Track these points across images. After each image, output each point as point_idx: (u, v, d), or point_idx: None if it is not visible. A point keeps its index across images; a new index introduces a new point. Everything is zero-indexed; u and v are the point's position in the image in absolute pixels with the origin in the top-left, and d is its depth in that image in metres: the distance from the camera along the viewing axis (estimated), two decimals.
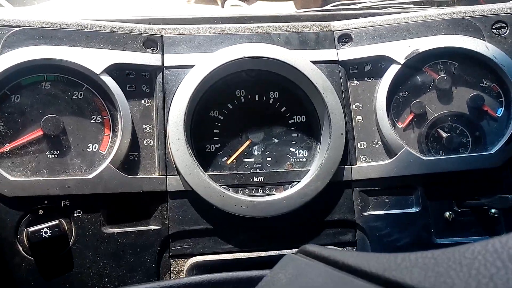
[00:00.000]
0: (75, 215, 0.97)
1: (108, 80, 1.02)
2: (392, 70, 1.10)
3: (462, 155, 1.08)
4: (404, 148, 1.05)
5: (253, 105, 1.14)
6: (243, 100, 1.14)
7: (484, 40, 1.12)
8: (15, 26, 1.02)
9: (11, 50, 1.00)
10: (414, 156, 1.05)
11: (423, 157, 1.06)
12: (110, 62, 1.03)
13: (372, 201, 1.07)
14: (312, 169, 1.08)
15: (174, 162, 1.02)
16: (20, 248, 0.94)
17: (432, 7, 1.49)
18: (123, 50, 1.06)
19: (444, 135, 1.08)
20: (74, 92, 1.03)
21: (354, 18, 1.22)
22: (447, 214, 1.06)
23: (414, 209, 1.07)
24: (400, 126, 1.11)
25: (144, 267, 0.99)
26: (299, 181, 1.07)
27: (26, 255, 0.94)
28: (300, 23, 1.16)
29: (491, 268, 0.35)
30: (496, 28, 1.13)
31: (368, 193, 1.07)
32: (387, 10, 1.47)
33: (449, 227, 1.07)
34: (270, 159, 1.11)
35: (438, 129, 1.10)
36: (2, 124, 0.98)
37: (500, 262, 0.35)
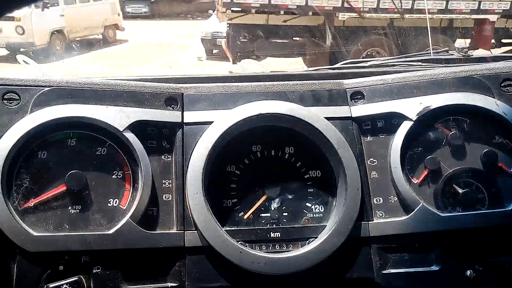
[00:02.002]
0: (94, 271, 0.98)
1: (131, 137, 1.06)
2: (405, 127, 1.12)
3: (480, 211, 1.08)
4: (421, 204, 1.06)
5: (269, 160, 1.16)
6: (259, 155, 1.17)
7: (494, 98, 1.15)
8: (45, 86, 1.08)
9: (41, 109, 1.05)
10: (431, 212, 1.05)
11: (440, 213, 1.06)
12: (133, 120, 1.07)
13: (391, 258, 1.06)
14: (329, 224, 1.08)
15: (192, 217, 1.04)
16: None
17: (440, 65, 1.55)
18: (145, 108, 1.11)
19: (460, 191, 1.09)
20: (98, 148, 1.07)
21: (365, 76, 1.27)
22: (468, 272, 1.05)
23: (434, 267, 1.06)
24: (415, 182, 1.12)
25: None
26: (316, 237, 1.07)
27: None
28: (313, 81, 1.21)
29: None
30: (504, 86, 1.17)
31: (386, 250, 1.07)
32: (396, 68, 1.53)
33: (471, 286, 1.05)
34: (286, 214, 1.12)
35: (453, 185, 1.11)
36: (28, 179, 1.02)
37: None
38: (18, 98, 1.06)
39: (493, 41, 8.27)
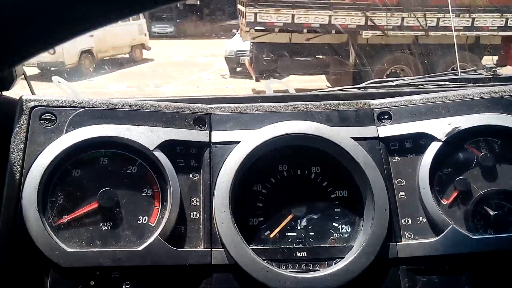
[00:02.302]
0: (124, 287, 1.00)
1: (161, 156, 1.09)
2: (434, 147, 1.11)
3: None
4: (451, 226, 1.04)
5: (295, 179, 1.17)
6: (285, 175, 1.18)
7: None
8: (79, 107, 1.12)
9: (75, 129, 1.09)
10: (462, 234, 1.03)
11: (471, 236, 1.04)
12: (162, 139, 1.10)
13: (420, 280, 1.04)
14: (356, 245, 1.07)
15: (219, 235, 1.05)
16: None
17: (468, 84, 1.54)
18: (174, 128, 1.14)
19: (492, 212, 1.07)
20: (129, 167, 1.10)
21: (391, 95, 1.27)
22: None
23: None
24: (444, 203, 1.10)
25: None
26: (343, 257, 1.06)
27: None
28: (339, 101, 1.22)
29: None
30: None
31: (415, 272, 1.05)
32: (423, 88, 1.53)
33: None
34: (313, 233, 1.12)
35: (484, 207, 1.08)
36: (62, 197, 1.05)
37: None
38: (54, 118, 1.10)
39: None
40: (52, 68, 9.42)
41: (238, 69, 9.96)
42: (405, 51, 7.95)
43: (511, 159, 1.12)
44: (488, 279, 1.04)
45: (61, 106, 1.12)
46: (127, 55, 12.17)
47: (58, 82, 1.68)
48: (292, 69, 8.44)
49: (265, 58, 8.53)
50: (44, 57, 9.66)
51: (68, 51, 10.03)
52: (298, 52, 8.58)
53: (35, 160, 1.04)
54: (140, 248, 1.00)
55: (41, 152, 1.05)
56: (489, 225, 1.07)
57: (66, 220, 1.03)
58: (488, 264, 1.04)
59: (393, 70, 7.86)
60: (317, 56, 8.85)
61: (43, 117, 1.10)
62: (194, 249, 1.05)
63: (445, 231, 1.04)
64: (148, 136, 1.10)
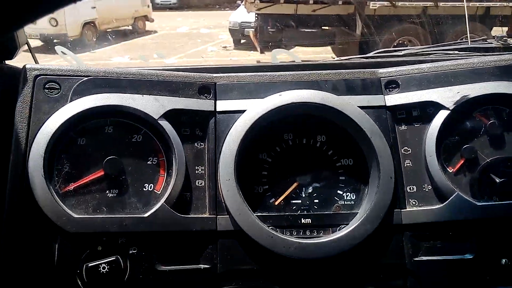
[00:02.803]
0: (130, 252, 1.02)
1: (166, 125, 1.08)
2: (441, 116, 1.10)
3: None
4: (456, 193, 1.04)
5: (300, 148, 1.17)
6: (290, 144, 1.17)
7: None
8: (84, 76, 1.11)
9: (80, 98, 1.09)
10: (466, 201, 1.04)
11: (476, 203, 1.04)
12: (167, 108, 1.10)
13: (423, 246, 1.05)
14: (360, 212, 1.08)
15: (224, 202, 1.05)
16: (80, 282, 0.98)
17: (478, 54, 1.50)
18: (179, 97, 1.13)
19: (498, 180, 1.06)
20: (134, 136, 1.10)
21: (399, 65, 1.25)
22: (503, 261, 1.03)
23: (468, 256, 1.04)
24: (450, 171, 1.10)
25: None
26: (347, 224, 1.07)
27: None
28: (346, 70, 1.20)
29: None
30: None
31: (419, 238, 1.06)
32: (431, 57, 1.50)
33: (505, 274, 1.03)
34: (317, 201, 1.13)
35: (491, 174, 1.08)
36: (68, 165, 1.06)
37: None
38: (58, 87, 1.10)
39: None
40: (55, 40, 9.36)
41: (242, 41, 9.83)
42: (414, 22, 7.78)
43: None
44: (491, 246, 1.04)
45: (65, 75, 1.11)
46: (130, 27, 12.02)
47: (62, 52, 1.66)
48: (298, 40, 8.31)
49: (270, 30, 8.40)
50: (47, 29, 9.58)
51: (70, 23, 9.93)
52: (303, 23, 8.43)
53: (40, 128, 1.04)
54: (146, 215, 1.02)
55: (46, 120, 1.05)
56: (494, 192, 1.07)
57: (72, 187, 1.04)
58: (492, 231, 1.05)
59: (400, 42, 7.71)
60: (323, 27, 8.70)
61: (47, 86, 1.09)
62: (200, 215, 1.06)
63: (450, 198, 1.04)
64: (153, 105, 1.09)
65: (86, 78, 1.11)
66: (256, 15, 8.56)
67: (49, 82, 1.10)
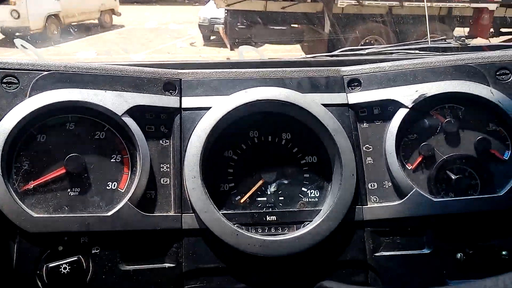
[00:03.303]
0: (93, 251, 1.00)
1: (129, 121, 1.07)
2: (400, 114, 1.14)
3: (472, 197, 1.10)
4: (414, 189, 1.08)
5: (266, 145, 1.18)
6: (256, 141, 1.18)
7: (489, 86, 1.16)
8: (43, 70, 1.08)
9: (39, 93, 1.06)
10: (424, 197, 1.07)
11: (433, 199, 1.08)
12: (131, 104, 1.08)
13: (383, 241, 1.09)
14: (324, 208, 1.10)
15: (189, 200, 1.05)
16: (40, 284, 0.96)
17: (437, 53, 1.56)
18: (143, 93, 1.12)
19: (453, 177, 1.11)
20: (97, 132, 1.08)
21: (362, 63, 1.28)
22: (458, 255, 1.07)
23: (425, 250, 1.08)
24: (409, 168, 1.14)
25: None
26: (311, 221, 1.09)
27: None
28: (311, 68, 1.22)
29: None
30: (500, 74, 1.18)
31: (379, 234, 1.09)
32: (393, 56, 1.54)
33: (461, 268, 1.08)
34: (282, 198, 1.14)
35: (447, 171, 1.13)
36: (28, 162, 1.03)
37: None
38: (17, 82, 1.06)
39: (491, 30, 8.25)
40: (17, 34, 8.99)
41: (212, 37, 9.75)
42: (379, 21, 7.95)
43: (474, 125, 1.16)
44: (447, 241, 1.09)
45: (24, 69, 1.08)
46: (96, 21, 11.69)
47: (22, 45, 1.60)
48: (267, 38, 8.33)
49: (239, 26, 8.37)
50: (8, 21, 9.20)
51: (33, 15, 9.57)
52: (273, 20, 8.44)
53: None
54: (109, 214, 1.00)
55: (3, 116, 1.02)
56: (450, 188, 1.12)
57: (32, 186, 1.01)
58: (448, 226, 1.09)
59: (367, 41, 7.86)
60: (292, 25, 8.75)
61: (4, 80, 1.06)
62: (165, 214, 1.05)
63: (409, 195, 1.08)
64: (116, 101, 1.08)
65: (46, 73, 1.08)
66: (226, 11, 8.51)
67: (7, 76, 1.06)
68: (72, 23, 10.87)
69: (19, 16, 9.37)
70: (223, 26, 8.86)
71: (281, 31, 8.52)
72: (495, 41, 7.49)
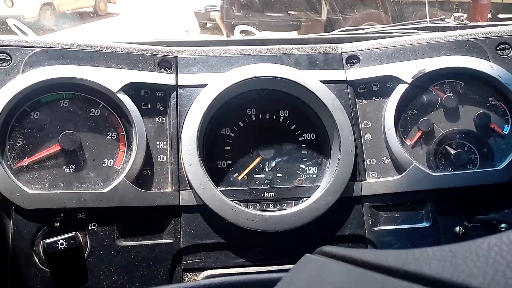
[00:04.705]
0: (90, 227, 0.99)
1: (124, 98, 1.05)
2: (400, 89, 1.13)
3: (471, 171, 1.10)
4: (413, 164, 1.07)
5: (263, 123, 1.17)
6: (253, 118, 1.17)
7: (489, 61, 1.15)
8: (36, 47, 1.06)
9: (32, 69, 1.04)
10: (423, 172, 1.07)
11: (432, 173, 1.07)
12: (126, 81, 1.07)
13: (382, 216, 1.08)
14: (322, 184, 1.10)
15: (187, 177, 1.04)
16: (36, 260, 0.95)
17: (436, 32, 1.54)
18: (139, 70, 1.10)
19: (452, 151, 1.10)
20: (91, 110, 1.07)
21: (361, 41, 1.26)
22: (457, 229, 1.07)
23: (424, 224, 1.08)
24: (408, 143, 1.13)
25: (156, 280, 1.00)
26: (309, 197, 1.08)
27: (42, 266, 0.95)
28: (309, 45, 1.20)
29: (508, 256, 0.36)
30: (500, 49, 1.17)
31: (378, 209, 1.08)
32: (392, 35, 1.52)
33: (459, 242, 1.07)
34: (280, 175, 1.13)
35: (446, 146, 1.12)
36: (22, 139, 1.01)
37: None
38: (9, 58, 1.04)
39: (489, 16, 8.20)
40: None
41: (208, 25, 9.66)
42: (378, 6, 7.89)
43: (473, 100, 1.15)
44: (446, 214, 1.08)
45: (17, 46, 1.06)
46: (91, 9, 11.56)
47: (14, 25, 1.58)
48: (264, 25, 8.26)
49: (236, 13, 8.29)
50: (2, 9, 9.08)
51: (27, 3, 9.44)
52: (270, 7, 8.36)
53: None
54: (106, 190, 0.99)
55: None
56: (449, 163, 1.11)
57: (26, 162, 1.00)
58: (446, 200, 1.09)
59: (365, 27, 7.81)
60: (289, 12, 8.68)
61: None
62: (162, 190, 1.04)
63: (408, 169, 1.07)
64: (110, 78, 1.06)
65: (39, 49, 1.06)
66: None
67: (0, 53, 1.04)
68: (67, 11, 10.75)
69: (13, 4, 9.24)
70: (219, 13, 8.78)
71: (278, 18, 8.45)
72: None
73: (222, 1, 8.46)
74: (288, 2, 8.34)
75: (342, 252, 0.49)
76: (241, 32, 1.73)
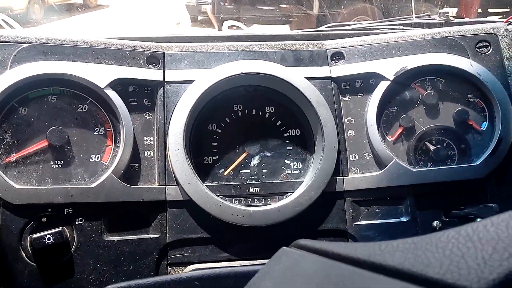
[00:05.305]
0: (77, 222, 1.01)
1: (112, 94, 1.07)
2: (382, 86, 1.15)
3: (449, 166, 1.13)
4: (394, 160, 1.10)
5: (249, 119, 1.19)
6: (240, 114, 1.19)
7: (469, 58, 1.18)
8: (24, 43, 1.07)
9: (20, 65, 1.05)
10: (403, 167, 1.10)
11: (411, 169, 1.10)
12: (114, 77, 1.08)
13: (363, 211, 1.11)
14: (306, 180, 1.12)
15: (173, 172, 1.06)
16: (24, 255, 0.97)
17: (421, 28, 1.57)
18: (126, 66, 1.11)
19: (432, 147, 1.14)
20: (79, 105, 1.08)
21: (346, 37, 1.29)
22: (435, 223, 1.10)
23: (403, 219, 1.11)
24: (390, 139, 1.16)
25: (142, 274, 1.02)
26: (293, 192, 1.11)
27: (29, 261, 0.97)
28: (295, 42, 1.22)
29: (463, 248, 0.39)
30: (479, 47, 1.20)
31: (359, 203, 1.11)
32: (378, 31, 1.55)
33: None
34: (265, 170, 1.16)
35: (426, 142, 1.15)
36: (10, 134, 1.02)
37: (471, 244, 0.39)
38: None
39: (479, 10, 8.26)
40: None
41: (199, 18, 9.62)
42: (368, 1, 7.92)
43: (453, 97, 1.18)
44: (424, 209, 1.12)
45: (4, 41, 1.06)
46: (81, 1, 11.43)
47: (2, 19, 1.57)
48: (255, 18, 8.25)
49: (227, 7, 8.26)
50: None
51: None
52: (261, 0, 8.35)
53: None
54: (93, 185, 1.01)
55: None
56: (428, 159, 1.15)
57: (14, 158, 1.01)
58: (425, 195, 1.12)
59: (356, 20, 7.84)
60: (280, 5, 8.67)
61: None
62: (149, 186, 1.06)
63: (388, 165, 1.10)
64: (98, 74, 1.07)
65: (27, 45, 1.07)
66: None
67: None
68: (56, 3, 10.61)
69: None
70: (210, 6, 8.74)
71: (270, 11, 8.43)
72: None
73: None
74: None
75: (315, 245, 0.52)
76: (230, 27, 1.75)
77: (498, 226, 0.40)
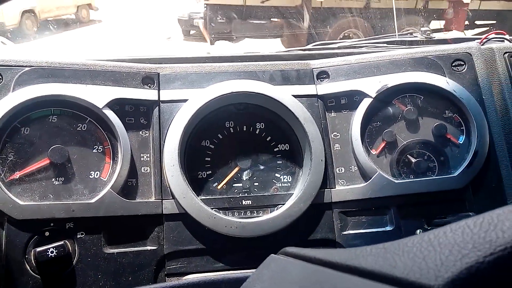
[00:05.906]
0: (78, 236, 1.06)
1: (110, 114, 1.13)
2: (365, 103, 1.23)
3: (430, 178, 1.20)
4: (378, 173, 1.17)
5: (241, 135, 1.25)
6: (231, 131, 1.25)
7: (445, 76, 1.26)
8: (26, 66, 1.13)
9: (22, 88, 1.10)
10: (386, 179, 1.17)
11: (395, 180, 1.17)
12: (111, 97, 1.14)
13: (350, 221, 1.17)
14: (295, 192, 1.18)
15: (169, 187, 1.12)
16: (28, 267, 1.01)
17: (404, 46, 1.65)
18: (123, 87, 1.17)
19: (413, 160, 1.21)
20: (79, 125, 1.14)
21: (332, 57, 1.37)
22: (418, 231, 1.17)
23: (388, 228, 1.18)
24: (373, 153, 1.23)
25: (141, 285, 1.07)
26: (283, 204, 1.17)
27: (33, 273, 1.01)
28: (282, 62, 1.30)
29: (425, 251, 0.46)
30: (455, 66, 1.28)
31: (346, 214, 1.18)
32: (362, 50, 1.63)
33: None
34: (257, 184, 1.22)
35: (407, 155, 1.22)
36: (13, 153, 1.08)
37: (432, 248, 0.46)
38: (0, 77, 1.11)
39: (467, 22, 8.45)
40: None
41: (192, 32, 9.73)
42: (358, 15, 8.08)
43: (431, 113, 1.26)
44: (408, 218, 1.18)
45: (7, 65, 1.12)
46: (73, 16, 11.51)
47: (1, 42, 1.64)
48: (247, 32, 8.38)
49: (219, 21, 8.38)
50: None
51: (8, 11, 9.36)
52: (253, 15, 8.48)
53: None
54: (93, 201, 1.06)
55: None
56: (410, 171, 1.21)
57: (18, 175, 1.06)
58: (408, 205, 1.19)
59: (345, 34, 7.98)
60: (271, 20, 8.81)
61: None
62: (146, 200, 1.12)
63: (373, 177, 1.17)
64: (96, 95, 1.13)
65: (29, 68, 1.13)
66: (205, 5, 8.52)
67: None
68: (48, 18, 10.68)
69: None
70: (203, 20, 8.86)
71: (261, 25, 8.57)
72: (470, 33, 7.69)
73: (205, 9, 8.57)
74: (270, 9, 8.48)
75: (300, 252, 0.58)
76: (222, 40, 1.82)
77: (455, 232, 0.47)
